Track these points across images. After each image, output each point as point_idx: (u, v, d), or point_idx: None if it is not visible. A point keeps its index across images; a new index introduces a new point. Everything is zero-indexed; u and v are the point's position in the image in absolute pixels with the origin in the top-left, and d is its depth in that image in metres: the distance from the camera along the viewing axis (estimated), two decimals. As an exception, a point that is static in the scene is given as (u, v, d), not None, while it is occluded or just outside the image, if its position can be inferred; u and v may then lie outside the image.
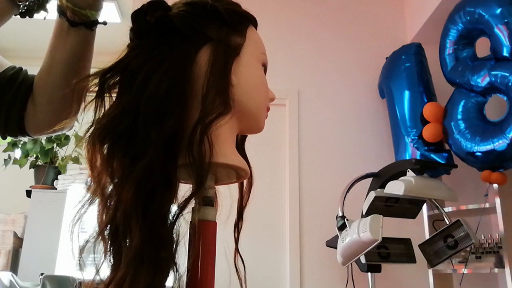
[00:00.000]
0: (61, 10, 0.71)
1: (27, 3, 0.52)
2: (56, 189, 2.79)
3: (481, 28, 2.14)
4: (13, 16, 0.65)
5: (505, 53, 2.01)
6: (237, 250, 0.64)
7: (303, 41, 3.09)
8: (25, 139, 2.82)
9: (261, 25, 0.69)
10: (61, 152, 2.93)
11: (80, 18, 0.71)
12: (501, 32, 2.02)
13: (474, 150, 2.11)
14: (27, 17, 0.56)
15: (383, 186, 2.06)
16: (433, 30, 2.74)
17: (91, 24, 0.72)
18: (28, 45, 3.39)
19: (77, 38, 0.72)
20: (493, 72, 2.06)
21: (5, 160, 2.85)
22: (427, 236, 2.40)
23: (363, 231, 1.71)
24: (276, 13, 3.10)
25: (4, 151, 2.84)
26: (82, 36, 0.73)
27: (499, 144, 2.00)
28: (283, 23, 3.09)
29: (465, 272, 2.23)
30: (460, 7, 2.23)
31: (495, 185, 2.21)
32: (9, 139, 2.75)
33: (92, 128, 0.55)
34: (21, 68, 0.79)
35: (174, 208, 0.54)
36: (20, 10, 0.54)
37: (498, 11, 2.02)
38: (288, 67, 2.99)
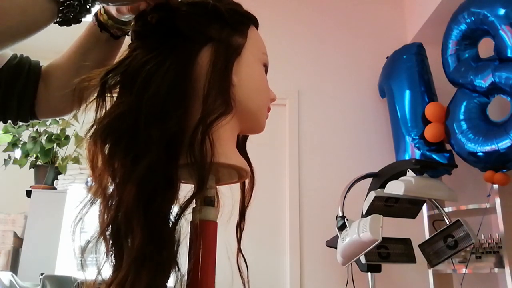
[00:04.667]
0: (104, 26, 0.73)
1: (68, 7, 0.53)
2: (56, 189, 2.78)
3: (485, 29, 2.14)
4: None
5: (510, 54, 2.01)
6: (239, 250, 0.64)
7: (303, 41, 3.09)
8: (25, 139, 2.83)
9: (262, 25, 0.69)
10: (61, 152, 2.92)
11: (123, 32, 0.73)
12: (505, 33, 2.01)
13: (476, 151, 2.11)
14: (65, 25, 0.57)
15: (383, 186, 2.06)
16: (434, 30, 2.74)
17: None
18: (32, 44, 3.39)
19: (113, 44, 0.75)
20: (497, 73, 2.06)
21: (5, 160, 2.84)
22: (427, 236, 2.40)
23: (363, 231, 1.71)
24: (276, 13, 3.10)
25: (4, 151, 2.83)
26: (118, 41, 0.76)
27: (503, 144, 2.00)
28: (283, 23, 3.09)
29: (465, 272, 2.23)
30: (464, 7, 2.23)
31: (495, 185, 2.21)
32: (9, 138, 2.76)
33: (93, 128, 0.55)
34: (22, 55, 0.81)
35: (175, 208, 0.54)
36: (59, 18, 0.55)
37: (503, 12, 2.02)
38: (288, 67, 2.99)
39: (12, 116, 0.79)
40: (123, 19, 0.72)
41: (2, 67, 0.76)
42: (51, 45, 3.42)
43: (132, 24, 0.71)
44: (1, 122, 0.80)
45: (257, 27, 0.68)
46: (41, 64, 0.82)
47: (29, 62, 0.80)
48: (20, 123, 0.83)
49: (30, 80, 0.78)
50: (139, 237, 0.50)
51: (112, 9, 0.70)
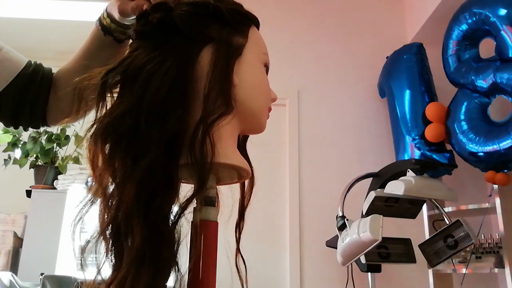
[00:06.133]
0: (107, 30, 0.74)
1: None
2: (56, 189, 2.78)
3: (487, 29, 2.13)
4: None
5: (511, 55, 2.00)
6: (238, 250, 0.64)
7: (304, 41, 3.09)
8: (25, 139, 2.83)
9: (262, 25, 0.69)
10: (61, 152, 2.93)
11: (126, 35, 0.75)
12: (507, 34, 2.01)
13: (477, 151, 2.11)
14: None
15: (383, 186, 2.06)
16: (433, 30, 2.74)
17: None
18: (36, 45, 3.39)
19: (117, 47, 0.77)
20: (498, 74, 2.05)
21: (5, 160, 2.84)
22: (427, 236, 2.40)
23: (363, 231, 1.71)
24: (276, 13, 3.10)
25: (4, 151, 2.83)
26: (122, 45, 0.77)
27: (504, 144, 1.99)
28: (283, 23, 3.09)
29: (465, 272, 2.23)
30: (466, 8, 2.22)
31: (495, 185, 2.21)
32: (9, 138, 2.76)
33: (93, 128, 0.55)
34: (36, 63, 0.83)
35: (176, 208, 0.54)
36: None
37: (505, 12, 2.02)
38: (288, 67, 2.99)
39: (24, 123, 0.81)
40: (126, 22, 0.72)
41: (19, 73, 0.78)
42: (51, 45, 3.43)
43: None
44: (13, 127, 0.82)
45: (258, 27, 0.68)
46: (53, 71, 0.83)
47: (42, 69, 0.82)
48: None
49: (42, 87, 0.79)
50: (139, 237, 0.50)
51: (115, 12, 0.70)
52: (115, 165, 0.54)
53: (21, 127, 0.82)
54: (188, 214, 0.56)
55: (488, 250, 2.28)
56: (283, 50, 3.01)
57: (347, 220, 1.88)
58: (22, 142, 2.84)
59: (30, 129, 0.86)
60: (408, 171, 2.07)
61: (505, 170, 2.13)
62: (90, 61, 0.75)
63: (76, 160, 2.79)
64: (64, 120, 0.83)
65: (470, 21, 2.20)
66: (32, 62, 0.82)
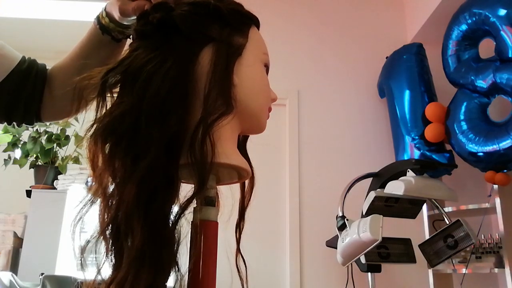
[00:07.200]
0: (106, 29, 0.74)
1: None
2: (56, 189, 2.78)
3: (486, 29, 2.13)
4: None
5: (511, 55, 2.00)
6: (238, 250, 0.64)
7: (303, 41, 3.09)
8: (25, 139, 2.83)
9: (262, 25, 0.69)
10: (61, 152, 2.93)
11: (124, 35, 0.75)
12: (506, 34, 2.01)
13: (477, 151, 2.11)
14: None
15: (383, 186, 2.06)
16: (433, 30, 2.74)
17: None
18: (36, 44, 3.39)
19: (115, 47, 0.77)
20: (498, 74, 2.05)
21: (5, 160, 2.84)
22: (427, 236, 2.40)
23: (363, 231, 1.71)
24: (277, 13, 3.10)
25: (4, 151, 2.83)
26: (119, 44, 0.77)
27: (504, 144, 1.99)
28: (283, 23, 3.09)
29: (465, 272, 2.23)
30: (465, 8, 2.23)
31: (495, 186, 2.21)
32: (9, 138, 2.76)
33: (94, 127, 0.55)
34: (30, 58, 0.82)
35: (176, 208, 0.54)
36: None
37: (504, 12, 2.02)
38: (288, 67, 2.99)
39: (18, 119, 0.80)
40: (125, 22, 0.72)
41: (13, 69, 0.78)
42: (51, 45, 3.42)
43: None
44: (6, 123, 0.82)
45: (258, 27, 0.68)
46: (47, 67, 0.83)
47: (36, 65, 0.81)
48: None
49: (37, 84, 0.79)
50: (139, 237, 0.50)
51: (115, 12, 0.70)
52: (115, 165, 0.54)
53: (14, 123, 0.82)
54: (188, 214, 0.56)
55: (488, 250, 2.28)
56: (283, 50, 3.01)
57: (347, 220, 1.88)
58: (22, 142, 2.84)
59: (30, 129, 0.86)
60: (408, 171, 2.07)
61: (505, 170, 2.13)
62: (86, 60, 0.74)
63: (76, 160, 2.79)
64: (58, 117, 0.83)
65: (470, 21, 2.20)
66: (26, 58, 0.81)
